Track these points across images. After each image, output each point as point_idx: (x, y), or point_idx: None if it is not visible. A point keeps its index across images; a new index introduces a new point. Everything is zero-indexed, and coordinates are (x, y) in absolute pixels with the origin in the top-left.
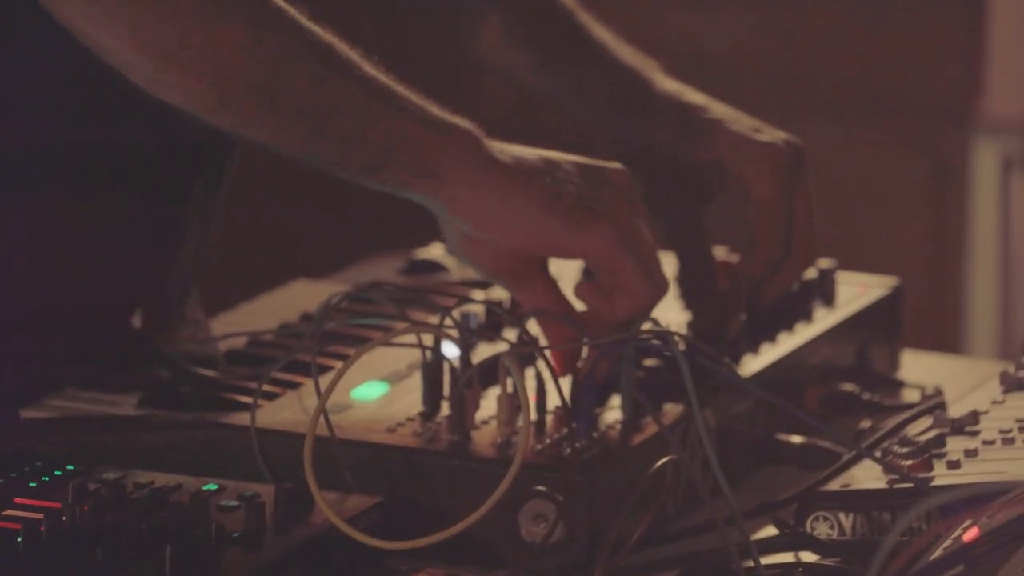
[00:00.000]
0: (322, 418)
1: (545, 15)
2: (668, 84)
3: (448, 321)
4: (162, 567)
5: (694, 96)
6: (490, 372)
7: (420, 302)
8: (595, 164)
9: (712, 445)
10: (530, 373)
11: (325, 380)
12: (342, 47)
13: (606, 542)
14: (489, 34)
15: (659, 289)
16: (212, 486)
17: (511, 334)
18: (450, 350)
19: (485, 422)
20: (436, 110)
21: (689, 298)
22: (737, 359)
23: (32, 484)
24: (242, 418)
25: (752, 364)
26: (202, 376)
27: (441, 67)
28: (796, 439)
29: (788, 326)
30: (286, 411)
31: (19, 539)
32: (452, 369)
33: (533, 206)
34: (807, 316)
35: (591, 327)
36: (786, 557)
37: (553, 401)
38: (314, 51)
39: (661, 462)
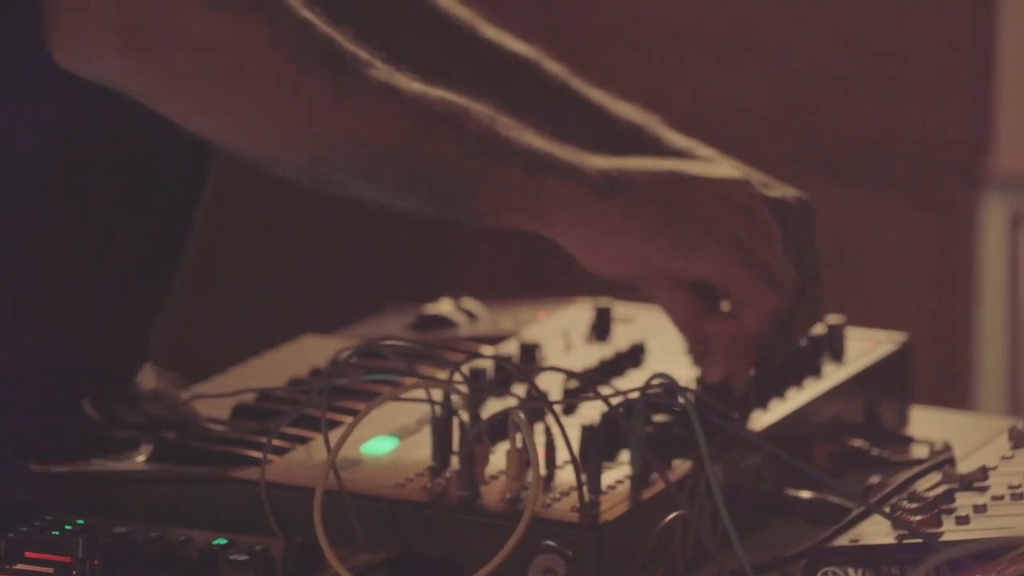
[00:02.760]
0: (332, 472)
1: (537, 81)
2: (676, 139)
3: (457, 376)
4: None
5: (703, 151)
6: (499, 427)
7: (429, 357)
8: (714, 177)
9: (722, 500)
10: (539, 428)
11: (335, 435)
12: (437, 97)
13: None
14: None
15: (782, 290)
16: (222, 540)
17: (520, 389)
18: (459, 405)
19: (495, 477)
20: (537, 144)
21: (698, 354)
22: (746, 414)
23: (42, 538)
24: (252, 472)
25: (761, 419)
26: (211, 430)
27: None
28: (805, 494)
29: (797, 382)
30: (296, 466)
31: None
32: (461, 424)
33: (636, 237)
34: (816, 372)
35: (726, 344)
36: None
37: (562, 456)
38: (412, 121)
39: (670, 517)
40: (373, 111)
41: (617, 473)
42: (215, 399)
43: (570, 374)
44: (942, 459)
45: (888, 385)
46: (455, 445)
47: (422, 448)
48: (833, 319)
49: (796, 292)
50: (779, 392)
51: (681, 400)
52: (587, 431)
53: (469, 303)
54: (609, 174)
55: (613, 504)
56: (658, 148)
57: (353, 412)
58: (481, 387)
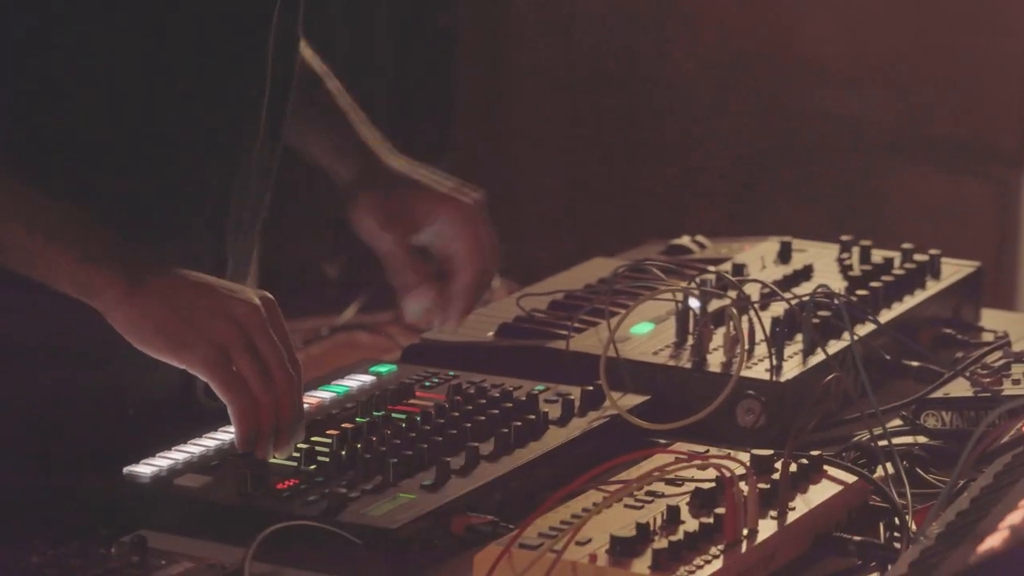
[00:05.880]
0: (611, 345)
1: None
2: (397, 163)
3: (693, 284)
4: (508, 437)
5: (422, 172)
6: (719, 317)
7: (675, 272)
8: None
9: (861, 366)
10: (744, 319)
11: (614, 321)
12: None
13: (794, 428)
14: None
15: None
16: (540, 387)
17: (733, 293)
18: (694, 303)
19: (716, 349)
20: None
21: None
22: (877, 311)
23: (427, 384)
24: (560, 344)
25: (886, 315)
26: (535, 317)
27: None
28: (914, 363)
29: (910, 291)
30: (589, 340)
31: (418, 418)
32: (694, 315)
33: (146, 331)
34: (922, 285)
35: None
36: (908, 439)
37: (759, 337)
38: None
39: (828, 377)
40: None
41: (794, 348)
42: (538, 297)
43: (764, 284)
44: (1003, 342)
45: (967, 294)
46: (691, 329)
47: (669, 330)
48: (933, 251)
49: None
50: (899, 298)
51: (836, 302)
52: (775, 321)
53: (700, 238)
54: (143, 269)
55: (792, 368)
56: (376, 167)
57: (626, 306)
58: (708, 291)
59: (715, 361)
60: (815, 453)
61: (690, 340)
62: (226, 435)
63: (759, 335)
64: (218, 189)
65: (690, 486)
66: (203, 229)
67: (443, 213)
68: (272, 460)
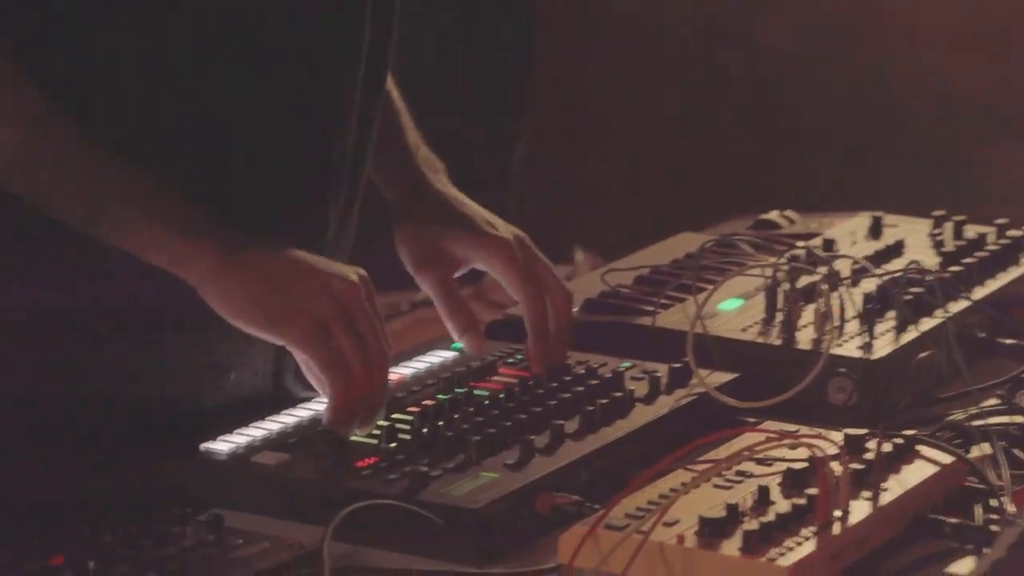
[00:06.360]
0: (699, 321)
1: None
2: (451, 190)
3: (782, 260)
4: (594, 415)
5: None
6: (809, 294)
7: (763, 247)
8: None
9: (955, 343)
10: (835, 295)
11: (701, 297)
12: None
13: (886, 406)
14: None
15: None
16: (627, 364)
17: (823, 269)
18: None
19: (806, 326)
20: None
21: None
22: (970, 288)
23: (510, 360)
24: (646, 320)
25: (981, 291)
26: (619, 292)
27: None
28: (1009, 341)
29: (1003, 268)
30: (675, 316)
31: (501, 395)
32: (784, 291)
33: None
34: (1016, 261)
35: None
36: (1004, 419)
37: (850, 313)
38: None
39: (922, 355)
40: (51, 147)
41: (886, 325)
42: (624, 272)
43: (855, 260)
44: None
45: None
46: (780, 304)
47: (758, 307)
48: None
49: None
50: (992, 274)
51: (929, 278)
52: (867, 297)
53: (789, 212)
54: (239, 242)
55: (883, 345)
56: (423, 193)
57: (713, 282)
58: (798, 267)
59: (805, 338)
60: (909, 433)
61: (779, 317)
62: (304, 412)
63: (850, 312)
64: (317, 156)
65: (781, 466)
66: (304, 198)
67: (483, 256)
68: (352, 438)
